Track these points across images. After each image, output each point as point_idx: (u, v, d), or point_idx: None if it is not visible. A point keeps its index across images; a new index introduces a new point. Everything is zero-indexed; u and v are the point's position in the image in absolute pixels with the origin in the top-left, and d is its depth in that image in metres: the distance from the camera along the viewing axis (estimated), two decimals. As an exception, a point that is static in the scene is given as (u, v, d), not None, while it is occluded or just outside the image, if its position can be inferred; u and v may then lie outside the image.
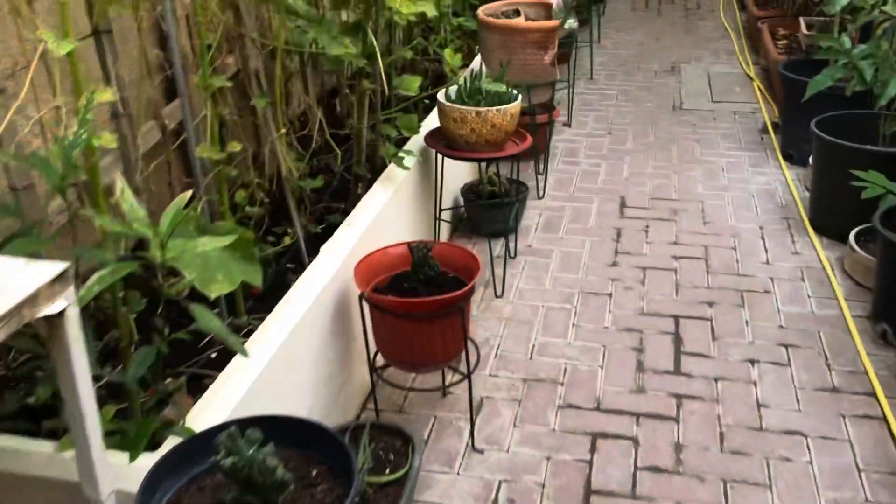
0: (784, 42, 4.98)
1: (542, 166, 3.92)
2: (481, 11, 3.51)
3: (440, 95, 2.79)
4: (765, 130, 4.43)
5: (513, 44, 3.36)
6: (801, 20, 4.25)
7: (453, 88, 2.81)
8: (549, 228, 3.45)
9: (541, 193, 3.75)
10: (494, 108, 2.70)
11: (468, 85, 2.74)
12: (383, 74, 2.43)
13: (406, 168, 2.58)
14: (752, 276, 3.04)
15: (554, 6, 4.10)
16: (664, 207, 3.60)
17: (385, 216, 2.52)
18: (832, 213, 3.26)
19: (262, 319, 1.92)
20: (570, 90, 4.63)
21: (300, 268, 2.22)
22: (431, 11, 2.58)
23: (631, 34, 6.48)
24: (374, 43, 2.44)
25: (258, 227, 2.42)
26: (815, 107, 3.61)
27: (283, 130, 2.26)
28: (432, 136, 2.89)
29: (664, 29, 6.60)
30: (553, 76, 3.50)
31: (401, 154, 2.57)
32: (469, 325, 2.18)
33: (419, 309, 2.07)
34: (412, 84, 2.62)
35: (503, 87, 2.71)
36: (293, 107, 2.89)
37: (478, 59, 3.81)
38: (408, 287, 2.20)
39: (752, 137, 4.36)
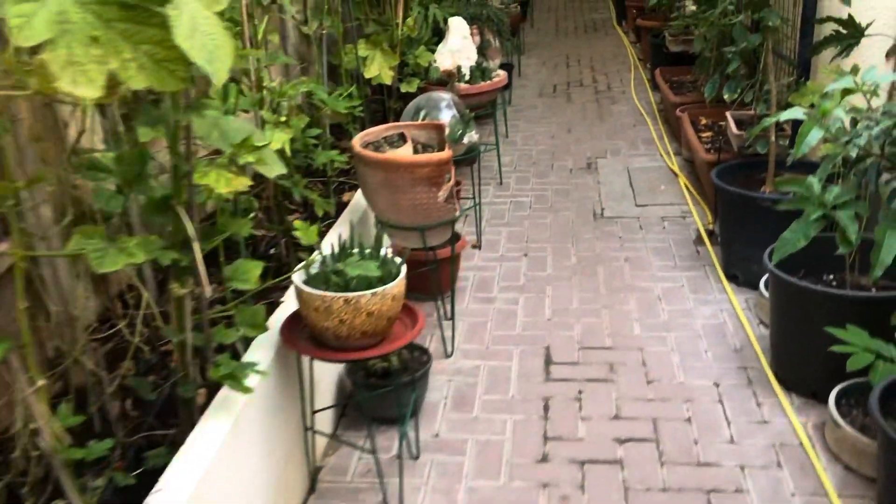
0: (708, 134, 4.52)
1: (448, 310, 3.25)
2: (358, 141, 2.86)
3: (296, 277, 2.09)
4: (700, 241, 3.90)
5: (398, 181, 2.71)
6: (729, 116, 3.78)
7: (316, 265, 2.12)
8: (460, 404, 2.76)
9: (449, 349, 3.07)
10: (370, 291, 2.01)
11: (328, 266, 2.04)
12: (203, 272, 1.72)
13: (248, 391, 1.85)
14: (718, 466, 2.39)
15: (448, 121, 3.51)
16: (598, 361, 2.96)
17: (220, 467, 1.78)
18: (801, 365, 2.68)
19: None
20: (478, 206, 4.01)
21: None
22: (274, 171, 1.89)
23: (541, 124, 5.98)
24: (189, 226, 1.73)
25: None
26: (758, 218, 3.10)
27: (42, 381, 1.50)
28: (291, 328, 2.17)
29: (576, 116, 6.14)
30: (451, 214, 2.86)
31: (237, 371, 1.84)
32: None
33: None
34: (249, 274, 1.91)
35: (374, 268, 2.02)
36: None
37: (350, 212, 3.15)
38: None
39: (687, 251, 3.81)
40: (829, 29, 3.30)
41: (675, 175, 4.79)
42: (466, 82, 4.44)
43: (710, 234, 3.94)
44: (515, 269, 3.73)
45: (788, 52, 3.85)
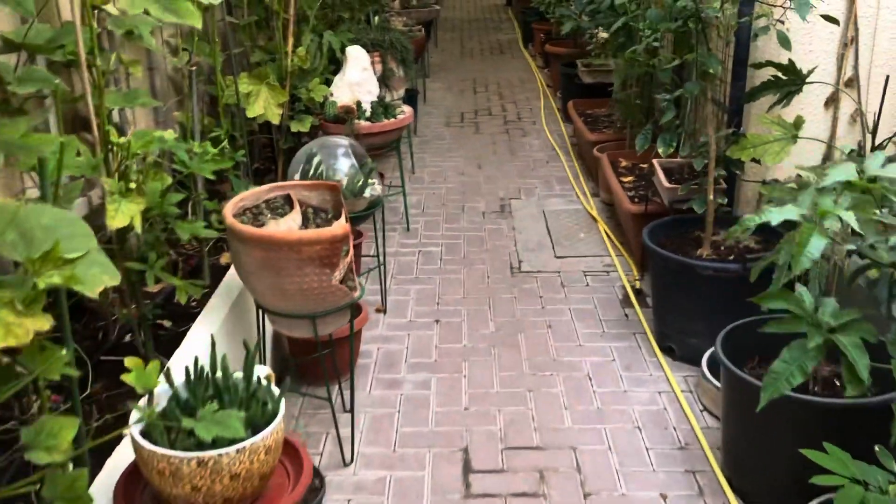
0: (630, 179, 4.18)
1: (346, 400, 2.73)
2: (232, 208, 2.31)
3: (134, 430, 1.53)
4: (627, 301, 3.53)
5: (282, 263, 2.18)
6: (657, 165, 3.42)
7: (161, 407, 1.56)
8: (362, 535, 2.24)
9: (347, 455, 2.54)
10: (235, 448, 1.48)
11: (173, 415, 1.50)
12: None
13: None
14: None
15: (347, 171, 3.01)
16: (526, 466, 2.50)
17: None
18: (761, 474, 2.30)
19: None
20: (381, 263, 3.51)
21: None
22: (97, 287, 1.34)
23: (449, 158, 5.54)
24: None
25: None
26: (696, 286, 2.75)
27: None
28: (130, 490, 1.60)
29: (486, 150, 5.73)
30: (349, 297, 2.34)
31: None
32: None
33: None
34: (59, 437, 1.34)
35: (237, 424, 1.48)
36: None
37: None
38: None
39: (615, 313, 3.43)
40: (764, 72, 2.99)
41: (594, 220, 4.43)
42: (367, 119, 3.94)
43: (638, 293, 3.58)
44: (426, 340, 3.24)
45: (719, 95, 3.55)
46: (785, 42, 2.90)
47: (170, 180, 2.28)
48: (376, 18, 5.42)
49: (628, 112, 4.20)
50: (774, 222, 1.66)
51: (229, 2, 3.96)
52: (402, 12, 7.22)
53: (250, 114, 3.39)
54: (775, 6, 2.85)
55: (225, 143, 2.80)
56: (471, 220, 4.50)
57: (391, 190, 4.43)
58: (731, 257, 2.99)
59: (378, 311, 3.48)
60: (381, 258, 3.46)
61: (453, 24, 10.99)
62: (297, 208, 2.41)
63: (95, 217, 2.53)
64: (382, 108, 3.99)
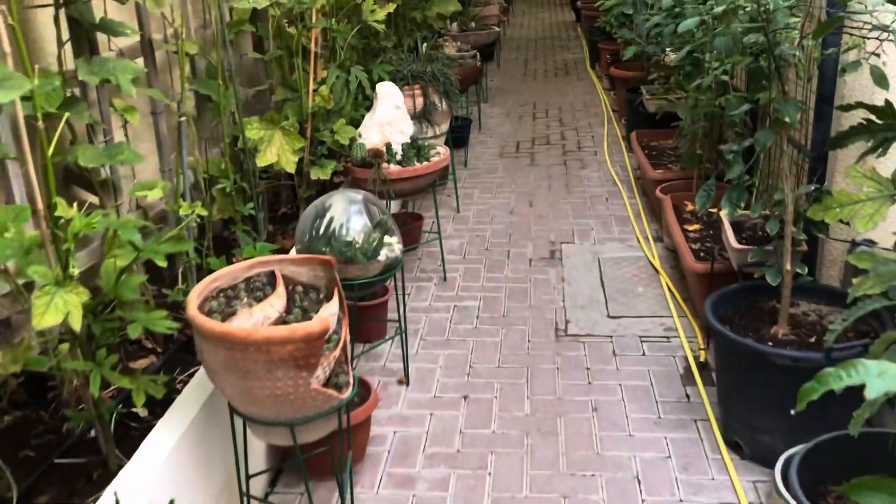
0: (696, 228, 3.67)
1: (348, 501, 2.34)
2: (199, 292, 1.96)
3: None
4: (689, 377, 3.03)
5: (248, 364, 1.81)
6: (725, 221, 2.91)
7: None
8: None
9: (341, 577, 2.15)
10: None
11: None
12: None
13: None
14: None
15: (360, 229, 2.65)
16: None
17: None
18: None
19: None
20: (402, 331, 3.10)
21: None
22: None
23: (500, 194, 5.12)
24: None
25: None
26: (769, 375, 2.27)
27: None
28: None
29: (540, 184, 5.29)
30: (333, 401, 1.96)
31: None
32: None
33: None
34: None
35: None
36: None
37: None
38: None
39: (674, 394, 2.94)
40: (853, 115, 2.48)
41: (656, 271, 3.93)
42: (398, 163, 3.57)
43: (703, 366, 3.08)
44: (451, 423, 2.83)
45: (799, 137, 3.03)
46: (881, 80, 2.37)
47: (131, 257, 1.95)
48: (424, 46, 5.07)
49: (690, 160, 3.70)
50: (873, 394, 1.17)
51: (260, 35, 3.68)
52: (459, 35, 6.87)
53: (261, 162, 3.06)
54: (868, 38, 2.34)
55: (231, 191, 2.46)
56: (516, 268, 4.07)
57: (428, 239, 4.05)
58: (813, 339, 2.47)
59: (399, 382, 3.09)
60: (403, 324, 3.06)
61: (518, 44, 10.58)
62: (281, 290, 2.04)
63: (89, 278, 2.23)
64: (415, 150, 3.61)
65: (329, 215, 2.76)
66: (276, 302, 2.00)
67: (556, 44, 10.53)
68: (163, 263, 1.85)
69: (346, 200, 2.82)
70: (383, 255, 2.72)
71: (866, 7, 2.24)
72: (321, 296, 2.13)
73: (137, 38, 2.66)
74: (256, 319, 1.92)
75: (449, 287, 3.89)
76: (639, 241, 4.30)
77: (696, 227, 3.68)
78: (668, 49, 4.78)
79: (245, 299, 2.02)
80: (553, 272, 4.01)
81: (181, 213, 2.45)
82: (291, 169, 3.14)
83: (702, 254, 3.35)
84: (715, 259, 3.11)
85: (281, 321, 1.97)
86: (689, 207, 3.91)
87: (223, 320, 1.89)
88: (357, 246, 2.69)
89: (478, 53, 6.08)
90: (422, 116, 4.43)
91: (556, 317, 3.56)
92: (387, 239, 2.77)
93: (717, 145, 3.88)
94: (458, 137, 5.72)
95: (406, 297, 3.57)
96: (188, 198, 2.59)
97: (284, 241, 3.33)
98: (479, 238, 4.46)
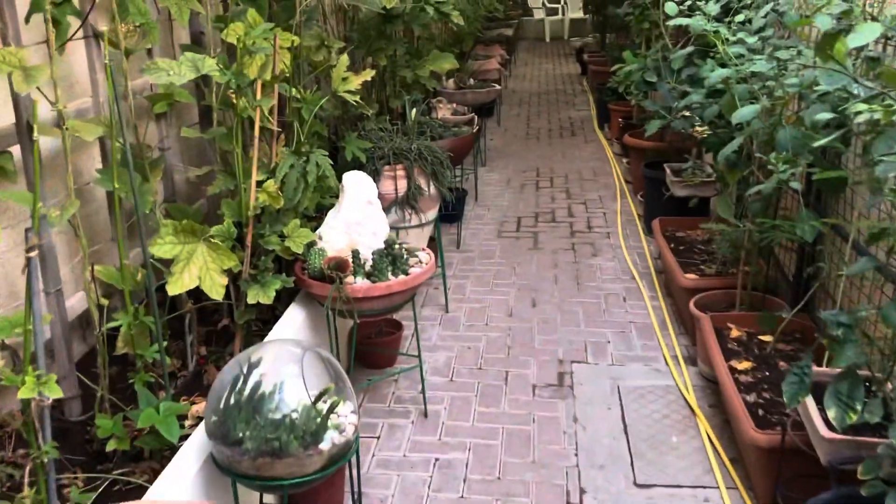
0: (747, 366, 2.86)
1: None
2: None
3: None
4: None
5: None
6: (812, 408, 2.11)
7: None
8: None
9: None
10: None
11: None
12: None
13: None
14: None
15: (295, 409, 1.84)
16: None
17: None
18: None
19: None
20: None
21: None
22: None
23: (496, 289, 4.32)
24: None
25: None
26: None
27: None
28: None
29: (544, 275, 4.49)
30: None
31: None
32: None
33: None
34: None
35: None
36: None
37: None
38: None
39: None
40: None
41: (692, 411, 3.12)
42: (367, 276, 2.78)
43: (769, 579, 2.25)
44: None
45: None
46: None
47: None
48: (413, 112, 4.31)
49: (755, 309, 2.91)
50: None
51: (209, 108, 2.93)
52: (456, 94, 6.14)
53: (174, 289, 2.26)
54: None
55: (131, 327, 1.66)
56: (515, 399, 3.25)
57: (402, 369, 3.24)
58: None
59: None
60: (357, 486, 2.24)
61: (520, 97, 9.90)
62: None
63: None
64: (389, 259, 2.82)
65: (256, 375, 1.96)
66: None
67: (561, 98, 9.84)
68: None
69: (284, 355, 2.02)
70: (328, 441, 1.91)
71: None
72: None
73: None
74: None
75: (430, 428, 3.06)
76: (667, 363, 3.49)
77: (748, 364, 2.87)
78: (696, 125, 4.04)
79: None
80: (562, 407, 3.19)
81: (22, 394, 1.64)
82: (218, 295, 2.34)
83: (761, 412, 2.54)
84: (786, 431, 2.30)
85: None
86: (735, 333, 3.11)
87: None
88: (292, 424, 1.89)
89: (475, 117, 5.34)
90: (404, 203, 3.66)
91: (567, 482, 2.73)
92: (337, 413, 1.96)
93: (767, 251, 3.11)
94: (450, 214, 4.94)
95: (376, 441, 2.75)
96: (41, 363, 1.78)
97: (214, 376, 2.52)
98: (470, 351, 3.65)
